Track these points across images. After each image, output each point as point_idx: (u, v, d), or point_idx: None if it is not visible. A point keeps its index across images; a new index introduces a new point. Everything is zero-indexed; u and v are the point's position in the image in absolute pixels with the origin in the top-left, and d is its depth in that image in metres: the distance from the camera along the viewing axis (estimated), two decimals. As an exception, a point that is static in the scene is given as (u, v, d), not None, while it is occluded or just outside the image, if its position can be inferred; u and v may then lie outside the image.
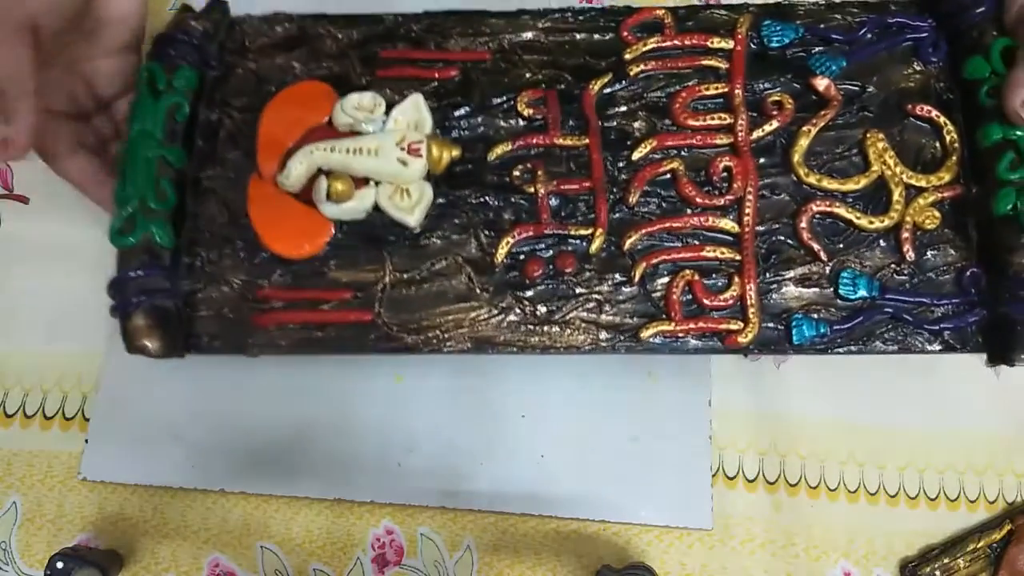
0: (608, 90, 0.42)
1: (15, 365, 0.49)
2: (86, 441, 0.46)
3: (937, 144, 0.42)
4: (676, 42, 0.43)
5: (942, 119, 0.42)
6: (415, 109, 0.42)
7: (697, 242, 0.41)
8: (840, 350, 0.39)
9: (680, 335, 0.40)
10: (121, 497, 0.46)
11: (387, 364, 0.48)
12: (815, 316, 0.40)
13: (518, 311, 0.41)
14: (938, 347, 0.40)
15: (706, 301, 0.40)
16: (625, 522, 0.46)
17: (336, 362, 0.47)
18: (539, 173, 0.41)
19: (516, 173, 0.41)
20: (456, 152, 0.41)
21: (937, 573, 0.44)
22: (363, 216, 0.41)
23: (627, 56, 0.42)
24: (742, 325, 0.39)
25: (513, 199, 0.42)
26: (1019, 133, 0.39)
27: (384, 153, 0.41)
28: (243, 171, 0.42)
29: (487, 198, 0.42)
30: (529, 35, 0.43)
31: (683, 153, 0.42)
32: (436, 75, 0.43)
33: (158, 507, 0.45)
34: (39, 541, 0.46)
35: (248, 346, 0.40)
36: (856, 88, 0.42)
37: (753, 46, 0.43)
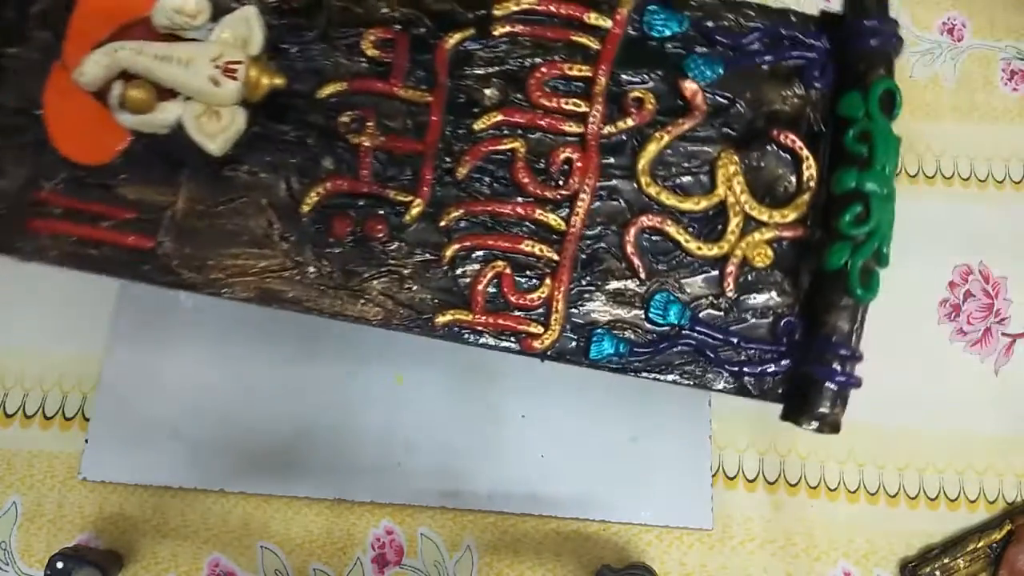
0: (468, 46, 0.43)
1: (15, 365, 0.54)
2: (86, 441, 0.52)
3: (793, 179, 0.43)
4: (552, 8, 0.43)
5: (805, 152, 0.42)
6: (245, 24, 0.41)
7: (519, 233, 0.42)
8: (635, 374, 0.41)
9: (477, 328, 0.41)
10: (121, 497, 0.52)
11: (388, 364, 0.54)
12: (618, 334, 0.41)
13: (314, 269, 0.41)
14: (733, 389, 0.41)
15: (512, 298, 0.41)
16: (625, 522, 0.53)
17: (337, 362, 0.54)
18: (369, 124, 0.41)
19: (344, 119, 0.42)
20: (279, 81, 0.41)
21: (937, 573, 0.47)
22: (165, 132, 0.41)
23: (496, 12, 0.43)
24: (542, 330, 0.41)
25: (335, 146, 0.42)
26: (871, 186, 0.39)
27: (195, 67, 0.39)
28: (50, 56, 0.41)
29: (308, 139, 0.42)
30: None
31: (529, 135, 0.42)
32: None
33: (158, 507, 0.52)
34: (39, 541, 0.51)
35: (16, 249, 0.40)
36: (725, 101, 0.43)
37: (632, 31, 0.43)
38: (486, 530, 0.51)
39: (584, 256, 0.42)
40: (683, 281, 0.42)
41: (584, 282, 0.41)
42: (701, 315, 0.41)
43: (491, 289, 0.41)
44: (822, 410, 0.39)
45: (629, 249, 0.41)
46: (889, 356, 0.53)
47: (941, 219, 0.57)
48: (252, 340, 0.53)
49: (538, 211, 0.41)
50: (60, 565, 0.45)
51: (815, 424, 0.39)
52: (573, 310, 0.41)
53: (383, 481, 0.51)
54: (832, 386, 0.39)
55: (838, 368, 0.39)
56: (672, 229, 0.41)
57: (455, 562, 0.51)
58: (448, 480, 0.51)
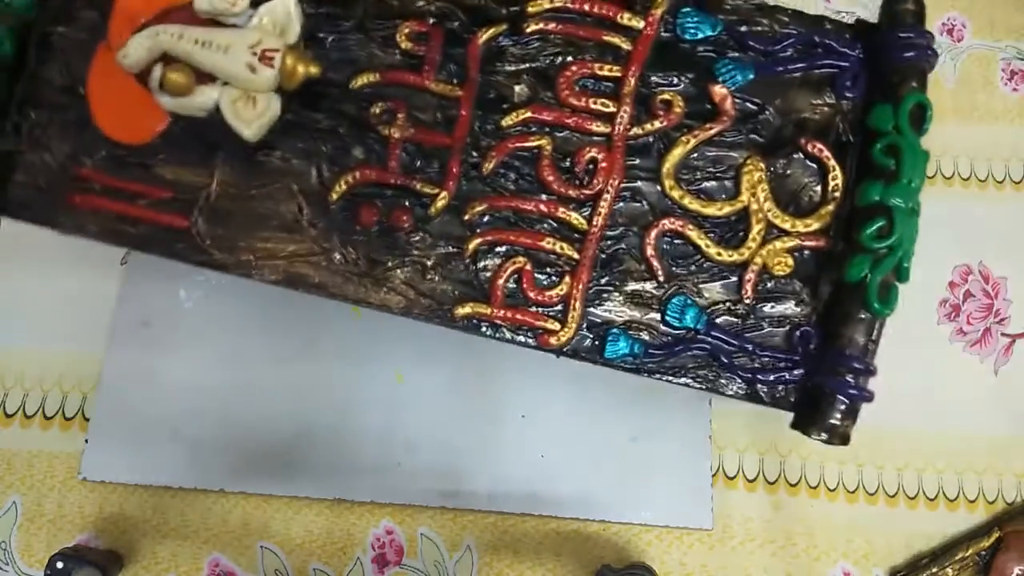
0: (501, 42, 0.43)
1: (15, 365, 0.54)
2: (86, 441, 0.53)
3: (819, 188, 0.43)
4: (585, 7, 0.43)
5: (832, 162, 0.42)
6: (284, 12, 0.42)
7: (541, 230, 0.42)
8: (649, 375, 0.42)
9: (496, 322, 0.41)
10: (121, 497, 0.52)
11: (388, 363, 0.54)
12: (634, 335, 0.42)
13: (340, 256, 0.42)
14: (745, 396, 0.42)
15: (531, 294, 0.41)
16: (625, 522, 0.53)
17: (337, 362, 0.54)
18: (399, 116, 0.42)
19: (376, 110, 0.42)
20: (314, 70, 0.41)
21: (926, 582, 0.45)
22: (203, 115, 0.42)
23: (530, 9, 0.43)
24: (559, 327, 0.41)
25: (366, 137, 0.43)
26: (896, 201, 0.39)
27: (233, 53, 0.40)
28: (95, 35, 0.42)
29: (339, 128, 0.42)
30: None
31: (556, 133, 0.43)
32: None
33: (158, 507, 0.52)
34: (39, 541, 0.52)
35: (58, 223, 0.42)
36: (754, 107, 0.43)
37: (664, 33, 0.43)
38: (486, 530, 0.51)
39: (604, 256, 0.42)
40: (701, 286, 0.42)
41: (603, 282, 0.42)
42: (718, 320, 0.42)
43: (511, 284, 0.42)
44: (832, 421, 0.39)
45: (649, 251, 0.42)
46: (889, 356, 0.52)
47: (941, 219, 0.57)
48: (252, 340, 0.54)
49: (561, 209, 0.42)
50: (60, 565, 0.45)
51: (824, 435, 0.39)
52: (591, 309, 0.42)
53: (383, 481, 0.51)
54: (844, 399, 0.39)
55: (851, 381, 0.39)
56: (693, 233, 0.42)
57: (455, 562, 0.51)
58: (448, 480, 0.51)
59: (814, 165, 0.42)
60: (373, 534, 0.51)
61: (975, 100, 0.60)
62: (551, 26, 0.43)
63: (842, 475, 0.53)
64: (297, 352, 0.53)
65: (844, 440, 0.39)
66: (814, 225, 0.41)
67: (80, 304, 0.54)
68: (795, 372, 0.41)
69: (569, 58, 0.43)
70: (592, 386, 0.53)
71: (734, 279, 0.42)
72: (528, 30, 0.43)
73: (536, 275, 0.42)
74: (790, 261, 0.41)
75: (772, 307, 0.42)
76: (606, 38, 0.43)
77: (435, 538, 0.51)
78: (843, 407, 0.39)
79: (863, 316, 0.39)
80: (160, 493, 0.52)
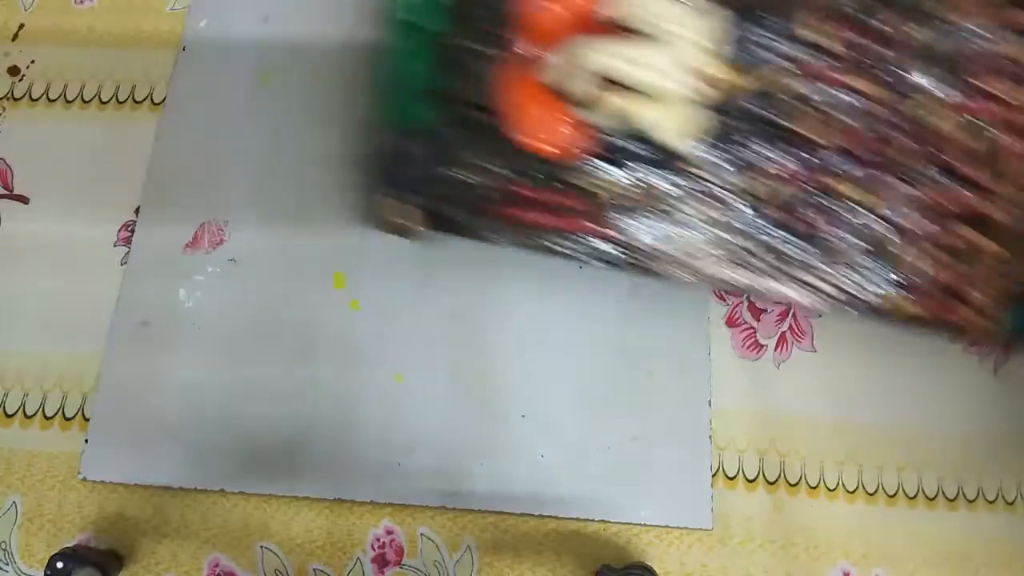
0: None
1: (15, 365, 0.54)
2: (86, 441, 0.53)
3: None
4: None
5: None
6: (708, 23, 0.42)
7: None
8: None
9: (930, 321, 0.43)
10: (121, 497, 0.52)
11: (388, 363, 0.54)
12: None
13: (760, 255, 0.43)
14: None
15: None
16: (625, 522, 0.52)
17: (337, 361, 0.54)
18: (820, 118, 0.42)
19: (793, 112, 0.42)
20: (743, 81, 0.42)
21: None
22: (628, 129, 0.43)
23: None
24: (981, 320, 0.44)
25: (784, 139, 0.42)
26: None
27: (666, 70, 0.40)
28: (510, 51, 0.44)
29: (755, 130, 0.43)
30: None
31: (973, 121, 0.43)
32: None
33: (158, 507, 0.51)
34: (39, 541, 0.51)
35: (486, 236, 0.44)
36: None
37: None
38: (486, 530, 0.51)
39: None
40: None
41: None
42: None
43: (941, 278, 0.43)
44: None
45: None
46: (888, 356, 0.53)
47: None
48: (252, 340, 0.53)
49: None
50: (60, 565, 0.45)
51: None
52: None
53: (383, 481, 0.51)
54: None
55: None
56: None
57: (455, 562, 0.51)
58: (448, 480, 0.51)
59: None
60: (373, 534, 0.51)
61: (975, 100, 0.61)
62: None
63: (842, 475, 0.52)
64: (297, 352, 0.53)
65: None
66: None
67: (80, 304, 0.54)
68: None
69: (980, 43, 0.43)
70: (592, 386, 0.52)
71: None
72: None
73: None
74: None
75: None
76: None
77: (435, 538, 0.51)
78: None
79: None
80: (160, 493, 0.51)
